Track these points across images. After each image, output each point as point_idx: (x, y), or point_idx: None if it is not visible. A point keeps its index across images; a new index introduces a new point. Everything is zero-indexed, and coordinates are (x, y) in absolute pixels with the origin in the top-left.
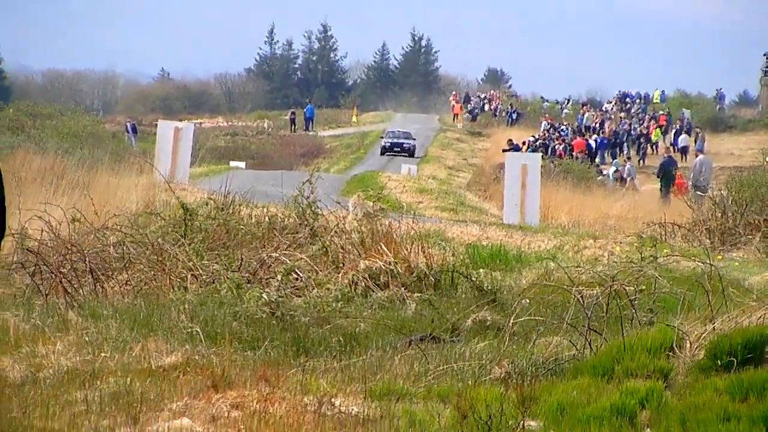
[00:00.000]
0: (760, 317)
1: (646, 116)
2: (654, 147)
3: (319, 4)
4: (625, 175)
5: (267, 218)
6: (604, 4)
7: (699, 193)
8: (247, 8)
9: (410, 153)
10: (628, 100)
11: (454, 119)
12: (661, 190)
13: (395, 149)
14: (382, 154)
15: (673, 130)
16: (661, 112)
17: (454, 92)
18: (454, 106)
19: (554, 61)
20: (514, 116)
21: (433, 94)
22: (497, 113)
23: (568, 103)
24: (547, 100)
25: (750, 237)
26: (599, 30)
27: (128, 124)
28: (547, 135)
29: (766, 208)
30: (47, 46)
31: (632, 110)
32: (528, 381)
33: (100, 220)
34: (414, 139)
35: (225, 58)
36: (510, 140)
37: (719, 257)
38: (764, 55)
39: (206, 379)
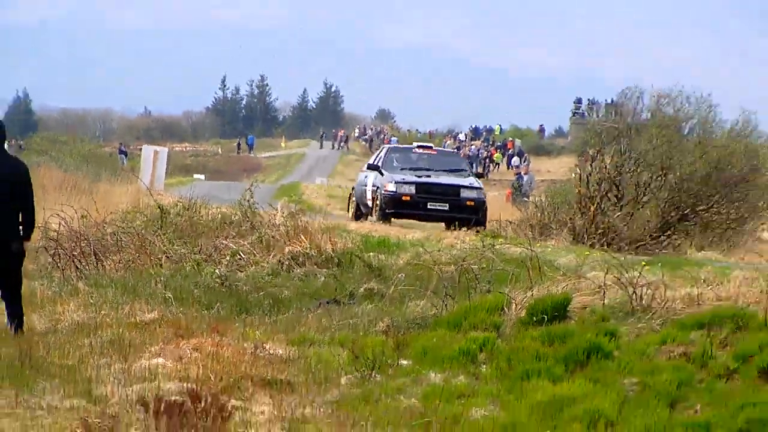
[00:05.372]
0: (564, 287)
1: (490, 144)
2: (497, 166)
3: (258, 60)
4: None
5: (219, 215)
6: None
7: (525, 199)
8: (207, 62)
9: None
10: (472, 130)
11: (341, 139)
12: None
13: (429, 205)
14: (387, 214)
15: (508, 154)
16: (510, 139)
17: (359, 126)
18: (343, 135)
19: (426, 102)
20: (395, 142)
21: (339, 127)
22: (384, 140)
23: (432, 134)
24: (419, 131)
25: (560, 230)
26: (465, 81)
27: (120, 147)
28: None
29: (571, 209)
30: (63, 89)
31: (481, 138)
32: (402, 332)
33: (100, 216)
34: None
35: (191, 99)
36: None
37: (538, 245)
38: (573, 102)
39: (175, 330)
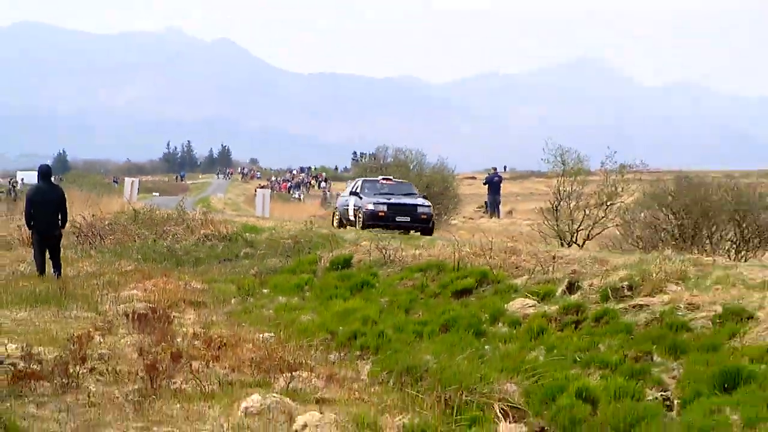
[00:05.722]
0: (349, 250)
1: (310, 175)
2: (313, 187)
3: (186, 133)
4: (300, 197)
5: (166, 214)
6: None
7: (328, 203)
8: (160, 135)
9: (424, 224)
10: (300, 168)
11: (228, 173)
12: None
13: (397, 218)
14: (368, 225)
15: (320, 180)
16: (321, 172)
17: (240, 167)
18: (231, 171)
19: (277, 152)
20: (259, 175)
21: (230, 167)
22: (251, 174)
23: (279, 170)
24: (272, 168)
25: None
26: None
27: (114, 179)
28: (273, 182)
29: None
30: (83, 148)
31: (305, 172)
32: (264, 275)
33: (102, 215)
34: (421, 198)
35: (152, 153)
36: (260, 184)
37: (337, 229)
38: (353, 153)
39: (143, 275)
